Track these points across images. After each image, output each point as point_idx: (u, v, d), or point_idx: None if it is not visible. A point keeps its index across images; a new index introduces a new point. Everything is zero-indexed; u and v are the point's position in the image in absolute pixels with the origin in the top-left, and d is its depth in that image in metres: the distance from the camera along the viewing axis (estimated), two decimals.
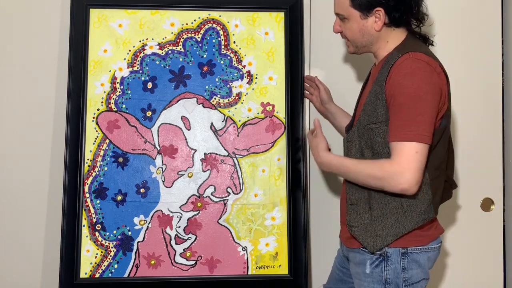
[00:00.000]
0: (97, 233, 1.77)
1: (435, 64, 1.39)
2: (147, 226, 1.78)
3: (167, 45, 1.84)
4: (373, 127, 1.43)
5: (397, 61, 1.39)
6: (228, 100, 1.83)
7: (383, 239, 1.41)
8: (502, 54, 2.08)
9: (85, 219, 1.77)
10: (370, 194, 1.45)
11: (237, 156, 1.82)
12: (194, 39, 1.85)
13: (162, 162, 1.80)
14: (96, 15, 1.84)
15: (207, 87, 1.83)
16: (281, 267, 1.79)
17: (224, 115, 1.83)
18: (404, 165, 1.31)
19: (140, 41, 1.84)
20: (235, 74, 1.84)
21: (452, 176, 1.55)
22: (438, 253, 1.49)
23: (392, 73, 1.38)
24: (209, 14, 1.86)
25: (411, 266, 1.42)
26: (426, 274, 1.47)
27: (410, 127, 1.32)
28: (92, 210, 1.77)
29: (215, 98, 1.83)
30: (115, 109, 1.81)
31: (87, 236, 1.76)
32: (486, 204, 2.02)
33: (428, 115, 1.33)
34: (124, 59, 1.83)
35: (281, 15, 1.87)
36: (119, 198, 1.78)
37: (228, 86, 1.84)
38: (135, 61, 1.83)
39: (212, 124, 1.82)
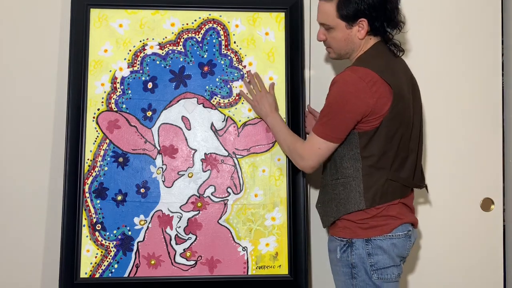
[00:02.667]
0: (97, 233, 1.77)
1: (371, 77, 1.51)
2: (147, 226, 1.78)
3: (168, 45, 1.84)
4: None
5: (343, 71, 1.58)
6: (229, 100, 1.83)
7: (327, 219, 1.66)
8: (502, 54, 2.08)
9: (85, 219, 1.77)
10: (327, 180, 1.66)
11: (237, 156, 1.82)
12: (194, 39, 1.85)
13: (162, 162, 1.80)
14: (97, 15, 1.84)
15: (207, 87, 1.84)
16: (281, 267, 1.79)
17: (225, 115, 1.83)
18: (307, 152, 1.60)
19: (140, 41, 1.84)
20: (236, 74, 1.84)
21: (411, 177, 1.63)
22: (407, 241, 1.60)
23: (334, 78, 1.59)
24: (210, 14, 1.86)
25: (376, 252, 1.55)
26: (395, 261, 1.57)
27: (324, 126, 1.56)
28: (92, 210, 1.77)
29: (215, 98, 1.83)
30: (116, 109, 1.81)
31: (87, 236, 1.76)
32: (486, 204, 2.02)
33: (340, 121, 1.54)
34: (125, 59, 1.83)
35: (281, 15, 1.87)
36: (119, 198, 1.78)
37: (229, 86, 1.84)
38: (135, 61, 1.83)
39: (212, 124, 1.82)
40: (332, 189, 1.63)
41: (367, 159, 1.56)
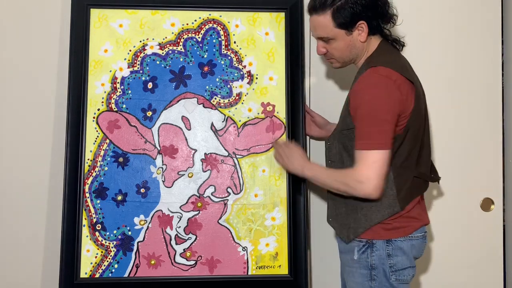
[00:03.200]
0: (97, 233, 1.77)
1: (396, 76, 1.47)
2: (147, 226, 1.78)
3: (168, 45, 1.84)
4: (345, 133, 1.56)
5: (361, 75, 1.51)
6: (229, 100, 1.84)
7: (354, 231, 1.55)
8: (502, 54, 2.08)
9: (85, 219, 1.77)
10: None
11: (237, 156, 1.82)
12: (194, 39, 1.85)
13: (163, 162, 1.80)
14: (97, 15, 1.84)
15: (207, 87, 1.84)
16: (281, 267, 1.79)
17: (225, 115, 1.83)
18: (365, 173, 1.44)
19: (140, 41, 1.84)
20: (236, 74, 1.84)
21: (428, 171, 1.63)
22: (423, 242, 1.59)
23: (356, 86, 1.51)
24: (210, 14, 1.86)
25: (396, 253, 1.52)
26: (412, 262, 1.55)
27: (370, 138, 1.44)
28: (92, 210, 1.77)
29: (215, 98, 1.83)
30: (116, 109, 1.81)
31: (87, 236, 1.76)
32: (486, 204, 2.02)
33: (384, 125, 1.45)
34: (125, 59, 1.83)
35: (281, 16, 1.87)
36: (119, 198, 1.78)
37: (229, 86, 1.84)
38: (135, 61, 1.83)
39: (212, 124, 1.82)
40: (356, 198, 1.52)
41: (396, 160, 1.51)
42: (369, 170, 1.43)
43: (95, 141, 1.79)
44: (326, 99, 1.96)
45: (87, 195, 1.77)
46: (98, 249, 1.76)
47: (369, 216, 1.53)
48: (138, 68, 1.83)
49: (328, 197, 1.65)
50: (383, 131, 1.44)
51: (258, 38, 1.86)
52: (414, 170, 1.54)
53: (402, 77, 1.48)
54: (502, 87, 2.08)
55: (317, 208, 1.94)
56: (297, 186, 1.80)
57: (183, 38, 1.85)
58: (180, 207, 1.79)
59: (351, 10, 1.49)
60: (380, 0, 1.52)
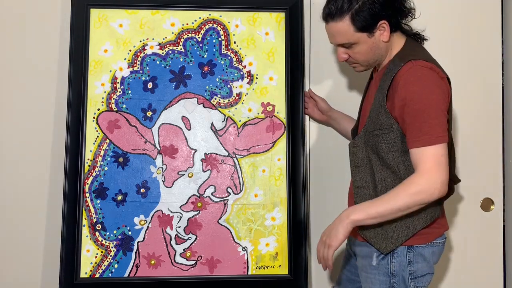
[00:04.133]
0: (97, 233, 1.77)
1: (437, 70, 1.42)
2: (147, 226, 1.78)
3: (168, 45, 1.84)
4: (378, 133, 1.46)
5: (400, 70, 1.42)
6: (229, 100, 1.84)
7: (395, 240, 1.44)
8: (502, 54, 2.08)
9: (85, 219, 1.77)
10: (377, 196, 1.46)
11: (237, 156, 1.82)
12: (194, 39, 1.85)
13: (163, 162, 1.80)
14: (97, 15, 1.84)
15: (207, 87, 1.84)
16: (281, 267, 1.79)
17: (225, 115, 1.83)
18: (433, 171, 1.34)
19: (140, 41, 1.84)
20: (236, 74, 1.84)
21: (454, 171, 1.57)
22: (443, 248, 1.52)
23: (399, 82, 1.40)
24: (210, 14, 1.86)
25: (417, 260, 1.45)
26: (431, 269, 1.49)
27: (430, 132, 1.35)
28: (92, 210, 1.77)
29: (215, 98, 1.83)
30: (116, 109, 1.81)
31: (87, 236, 1.76)
32: (486, 204, 2.02)
33: (441, 117, 1.37)
34: (125, 59, 1.83)
35: (281, 15, 1.87)
36: (119, 198, 1.78)
37: (229, 86, 1.84)
38: (135, 61, 1.83)
39: (212, 124, 1.82)
40: None
41: None
42: (438, 167, 1.34)
43: (95, 141, 1.79)
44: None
45: (87, 195, 1.77)
46: (98, 249, 1.76)
47: (411, 223, 1.43)
48: (138, 68, 1.83)
49: (360, 201, 1.51)
50: (442, 123, 1.36)
51: (258, 38, 1.86)
52: (448, 171, 1.43)
53: (442, 71, 1.43)
54: (502, 87, 2.08)
55: (317, 208, 1.94)
56: (297, 186, 1.80)
57: (183, 38, 1.85)
58: (180, 207, 1.79)
59: (370, 11, 1.41)
60: None
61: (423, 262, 1.46)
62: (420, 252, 1.46)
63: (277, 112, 1.84)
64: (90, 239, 1.76)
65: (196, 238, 1.78)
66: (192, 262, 1.78)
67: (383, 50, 1.50)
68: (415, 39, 1.57)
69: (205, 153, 1.81)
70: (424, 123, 1.36)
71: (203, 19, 1.86)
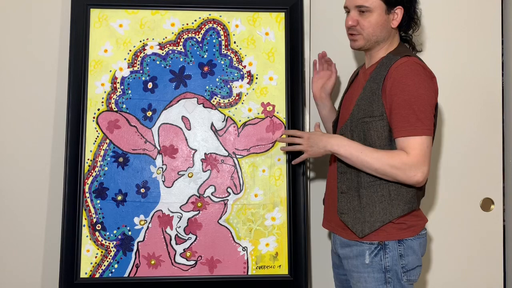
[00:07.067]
0: (97, 233, 1.77)
1: (429, 69, 1.51)
2: (147, 226, 1.78)
3: (168, 45, 1.84)
4: (368, 121, 1.51)
5: (395, 62, 1.49)
6: (229, 100, 1.83)
7: (371, 225, 1.49)
8: (502, 54, 2.08)
9: (85, 219, 1.77)
10: (359, 183, 1.52)
11: (237, 156, 1.82)
12: (194, 39, 1.85)
13: (163, 162, 1.80)
14: (97, 15, 1.84)
15: (207, 87, 1.84)
16: (281, 267, 1.79)
17: (225, 115, 1.83)
18: (419, 159, 1.41)
19: (140, 41, 1.84)
20: (236, 74, 1.84)
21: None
22: (426, 239, 1.58)
23: (392, 73, 1.48)
24: (210, 14, 1.86)
25: (407, 253, 1.49)
26: (420, 261, 1.54)
27: (417, 123, 1.42)
28: (92, 210, 1.77)
29: (215, 98, 1.83)
30: (116, 109, 1.81)
31: (87, 236, 1.76)
32: (486, 204, 2.02)
33: (429, 111, 1.44)
34: (125, 59, 1.83)
35: (281, 15, 1.87)
36: (119, 198, 1.78)
37: (229, 86, 1.84)
38: (135, 61, 1.83)
39: (212, 124, 1.82)
40: (374, 191, 1.49)
41: None
42: (423, 157, 1.41)
43: (95, 141, 1.79)
44: None
45: (87, 195, 1.77)
46: (98, 249, 1.76)
47: (389, 210, 1.48)
48: (138, 68, 1.83)
49: (339, 190, 1.57)
50: (429, 117, 1.43)
51: (258, 38, 1.86)
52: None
53: (432, 72, 1.51)
54: (502, 87, 2.08)
55: (317, 208, 1.94)
56: (297, 186, 1.80)
57: (183, 38, 1.85)
58: (180, 207, 1.79)
59: None
60: None
61: (413, 255, 1.50)
62: (409, 245, 1.49)
63: (277, 112, 1.84)
64: (90, 239, 1.76)
65: (196, 238, 1.78)
66: (192, 262, 1.78)
67: (386, 35, 1.56)
68: (409, 46, 1.65)
69: (205, 153, 1.81)
70: (412, 114, 1.42)
71: (203, 19, 1.86)
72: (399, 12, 1.54)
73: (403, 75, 1.45)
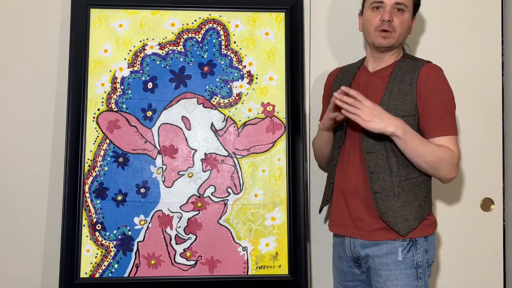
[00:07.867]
0: (97, 233, 1.77)
1: None
2: (147, 226, 1.78)
3: (168, 45, 1.84)
4: (403, 119, 1.51)
5: (424, 67, 1.56)
6: (229, 100, 1.84)
7: (410, 223, 1.51)
8: (502, 54, 2.08)
9: (85, 219, 1.77)
10: (392, 182, 1.52)
11: (237, 156, 1.82)
12: (194, 39, 1.85)
13: (163, 162, 1.80)
14: (97, 15, 1.84)
15: (207, 87, 1.84)
16: (281, 267, 1.79)
17: (225, 115, 1.83)
18: (459, 157, 1.51)
19: (140, 41, 1.84)
20: (236, 74, 1.84)
21: None
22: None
23: (425, 76, 1.54)
24: (210, 14, 1.86)
25: (430, 247, 1.56)
26: (434, 257, 1.60)
27: (453, 124, 1.52)
28: (92, 210, 1.77)
29: (215, 98, 1.83)
30: (116, 109, 1.81)
31: (87, 236, 1.76)
32: (486, 204, 2.02)
33: (455, 113, 1.55)
34: (125, 59, 1.83)
35: (281, 15, 1.87)
36: (119, 198, 1.78)
37: (229, 86, 1.84)
38: (135, 61, 1.83)
39: (212, 124, 1.82)
40: (408, 189, 1.51)
41: None
42: (459, 155, 1.51)
43: (95, 141, 1.79)
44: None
45: (87, 195, 1.77)
46: (98, 249, 1.76)
47: (423, 207, 1.54)
48: (138, 68, 1.83)
49: (372, 190, 1.52)
50: (455, 119, 1.54)
51: (258, 38, 1.86)
52: None
53: None
54: (502, 87, 2.08)
55: (317, 208, 1.94)
56: (297, 186, 1.80)
57: (183, 38, 1.85)
58: (180, 207, 1.79)
59: (419, 2, 1.63)
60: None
61: (433, 250, 1.56)
62: (431, 241, 1.56)
63: (277, 112, 1.84)
64: (90, 239, 1.76)
65: (196, 238, 1.78)
66: (192, 262, 1.78)
67: (405, 39, 1.63)
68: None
69: (205, 153, 1.81)
70: (448, 115, 1.51)
71: (203, 19, 1.86)
72: (414, 20, 1.63)
73: (436, 79, 1.53)
